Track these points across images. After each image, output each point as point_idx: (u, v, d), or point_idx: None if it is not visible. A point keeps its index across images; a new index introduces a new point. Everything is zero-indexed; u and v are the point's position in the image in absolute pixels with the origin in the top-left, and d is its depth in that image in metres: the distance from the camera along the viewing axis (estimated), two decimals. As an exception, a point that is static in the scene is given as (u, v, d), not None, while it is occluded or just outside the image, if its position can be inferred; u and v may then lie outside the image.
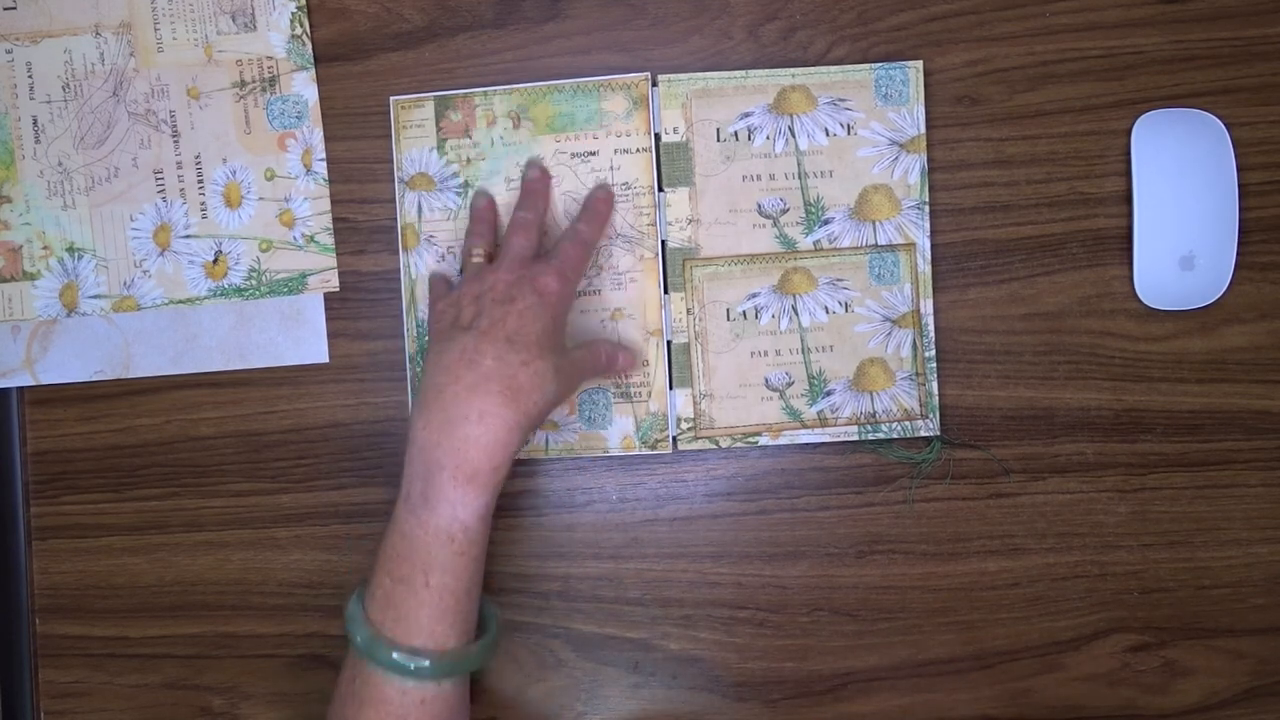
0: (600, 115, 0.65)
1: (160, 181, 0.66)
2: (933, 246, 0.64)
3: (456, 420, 0.54)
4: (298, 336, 0.67)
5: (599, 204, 0.64)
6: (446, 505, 0.54)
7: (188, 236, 0.67)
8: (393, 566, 0.54)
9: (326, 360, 0.67)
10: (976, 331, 0.65)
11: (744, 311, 0.65)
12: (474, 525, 0.54)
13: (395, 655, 0.53)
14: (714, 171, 0.65)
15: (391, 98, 0.66)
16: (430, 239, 0.66)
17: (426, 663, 0.53)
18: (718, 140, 0.64)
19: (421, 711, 0.54)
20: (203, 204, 0.66)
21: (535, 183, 0.64)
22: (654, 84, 0.65)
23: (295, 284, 0.66)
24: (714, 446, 0.65)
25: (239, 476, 0.67)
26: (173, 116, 0.66)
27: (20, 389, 0.68)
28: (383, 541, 0.56)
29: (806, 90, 0.64)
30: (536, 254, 0.61)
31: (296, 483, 0.67)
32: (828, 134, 0.64)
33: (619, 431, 0.65)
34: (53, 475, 0.68)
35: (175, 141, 0.66)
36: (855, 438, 0.65)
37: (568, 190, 0.65)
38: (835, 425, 0.65)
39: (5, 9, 0.66)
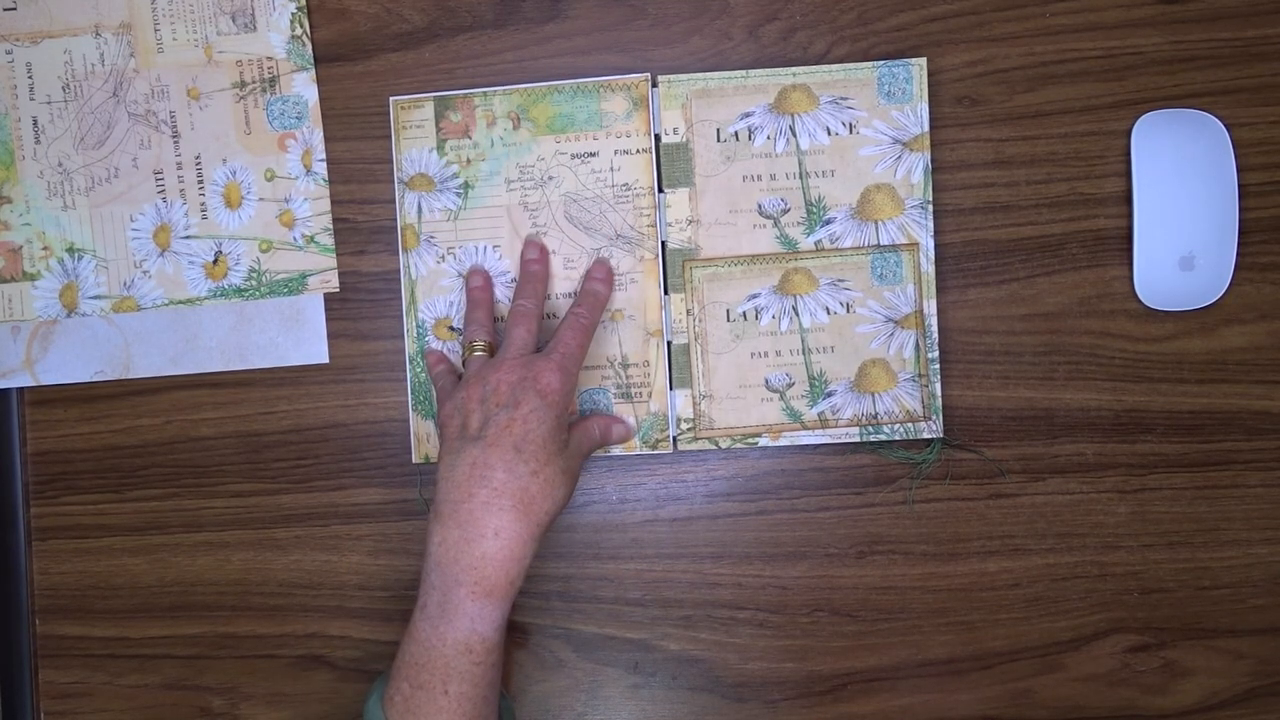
0: (600, 116, 0.65)
1: (160, 182, 0.66)
2: (934, 246, 0.64)
3: (473, 538, 0.55)
4: (298, 337, 0.67)
5: (597, 284, 0.63)
6: (465, 619, 0.55)
7: (188, 237, 0.67)
8: (411, 674, 0.55)
9: (326, 361, 0.67)
10: (976, 332, 0.65)
11: (744, 312, 0.65)
12: (491, 636, 0.55)
13: None
14: (714, 172, 0.65)
15: (391, 98, 0.66)
16: (430, 239, 0.66)
17: None
18: (718, 140, 0.64)
19: None
20: (203, 204, 0.66)
21: (534, 264, 0.64)
22: (654, 84, 0.65)
23: (295, 284, 0.66)
24: (714, 447, 0.65)
25: (239, 477, 0.67)
26: (173, 117, 0.66)
27: (20, 389, 0.68)
28: (402, 646, 0.56)
29: (808, 89, 0.64)
30: (538, 341, 0.61)
31: (296, 483, 0.67)
32: (829, 133, 0.64)
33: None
34: (53, 475, 0.68)
35: (175, 142, 0.66)
36: (856, 439, 0.65)
37: (568, 192, 0.65)
38: (836, 426, 0.65)
39: (5, 9, 0.66)
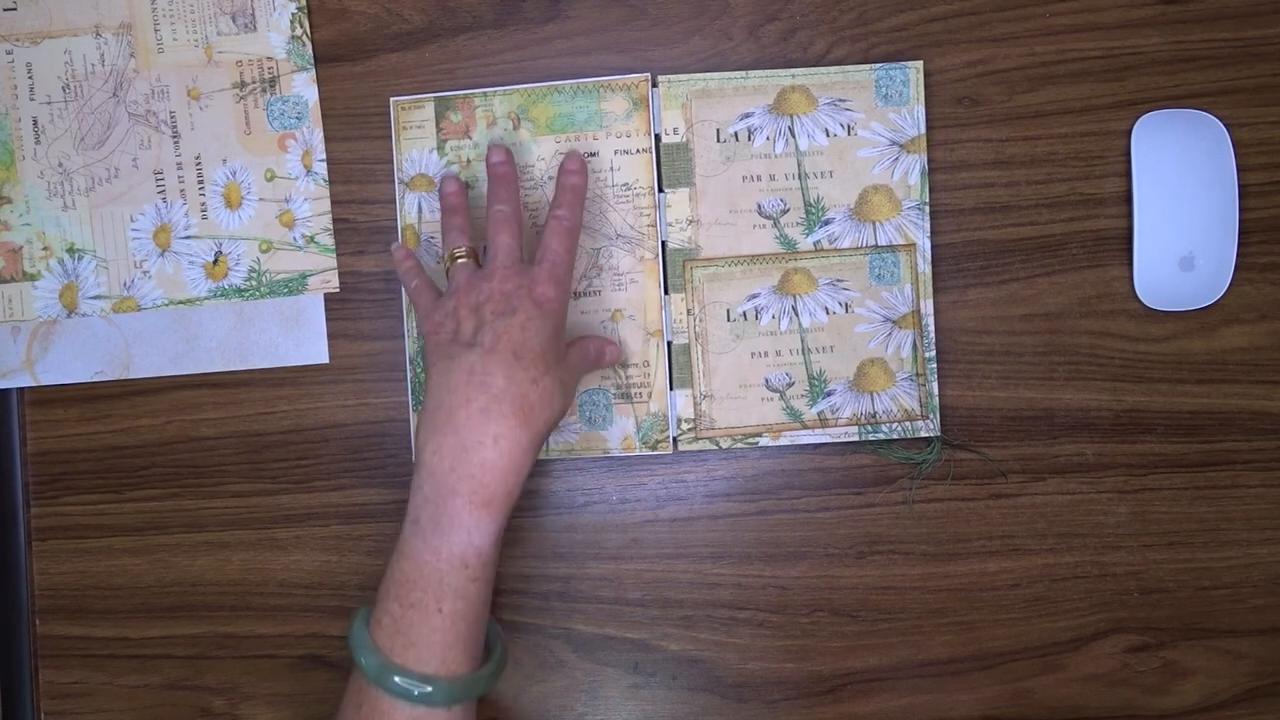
0: (600, 116, 0.65)
1: (160, 182, 0.66)
2: (933, 247, 0.64)
3: (471, 446, 0.53)
4: (298, 337, 0.67)
5: (573, 178, 0.61)
6: (461, 531, 0.53)
7: (188, 237, 0.67)
8: (402, 592, 0.53)
9: (327, 361, 0.67)
10: (976, 332, 0.65)
11: (744, 312, 0.65)
12: (488, 550, 0.54)
13: (408, 683, 0.52)
14: (714, 172, 0.65)
15: (391, 99, 0.66)
16: (430, 240, 0.66)
17: (440, 689, 0.52)
18: (718, 141, 0.64)
19: None
20: (203, 205, 0.66)
21: (501, 166, 0.61)
22: (654, 85, 0.65)
23: (295, 285, 0.67)
24: (714, 447, 0.65)
25: (239, 477, 0.67)
26: (173, 117, 0.66)
27: (20, 389, 0.68)
28: (389, 566, 0.54)
29: (807, 91, 0.64)
30: (522, 246, 0.60)
31: (297, 483, 0.67)
32: (828, 134, 0.64)
33: (619, 432, 0.65)
34: (53, 476, 0.68)
35: (175, 142, 0.66)
36: (856, 438, 0.65)
37: (568, 191, 0.65)
38: (836, 426, 0.65)
39: (5, 10, 0.66)
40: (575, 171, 0.61)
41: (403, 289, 0.64)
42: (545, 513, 0.66)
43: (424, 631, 0.53)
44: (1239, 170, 0.63)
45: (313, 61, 0.66)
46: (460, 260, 0.59)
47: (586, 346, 0.62)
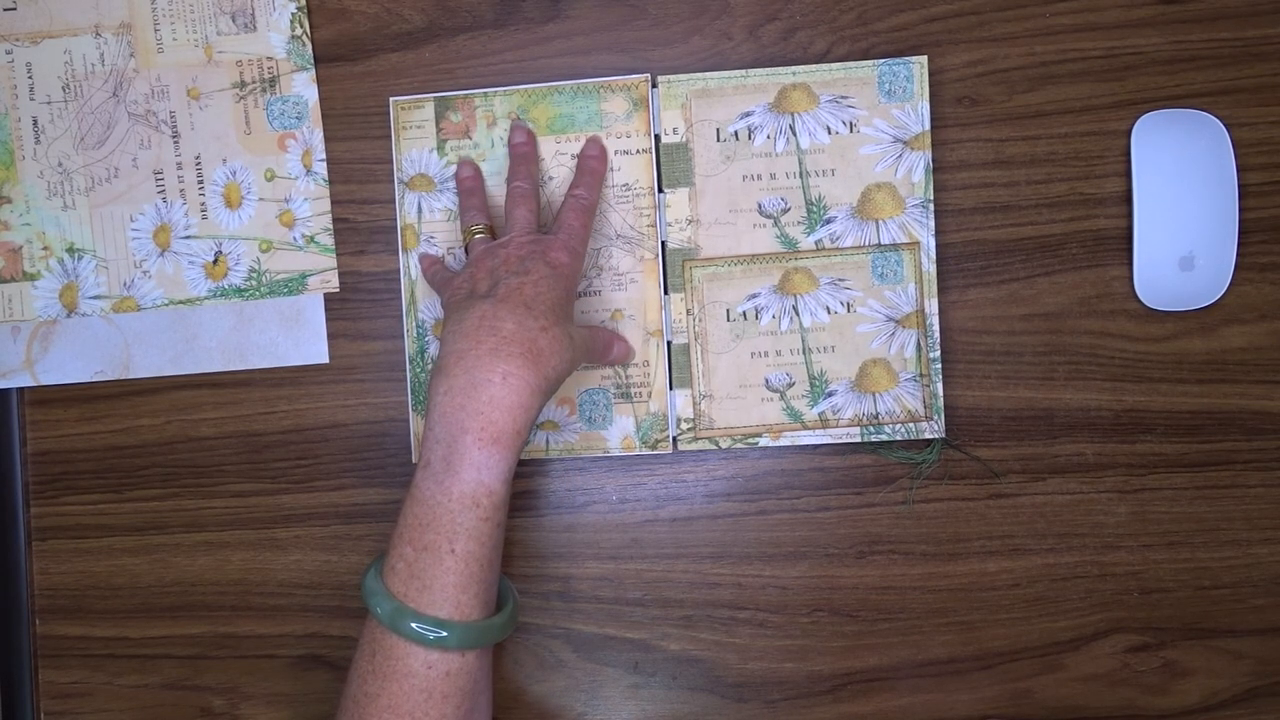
0: (600, 116, 0.65)
1: (160, 182, 0.66)
2: (936, 245, 0.64)
3: (480, 383, 0.53)
4: (298, 337, 0.67)
5: (593, 162, 0.64)
6: (471, 469, 0.53)
7: (188, 237, 0.67)
8: (414, 536, 0.53)
9: (327, 361, 0.67)
10: (976, 332, 0.65)
11: (744, 312, 0.65)
12: (498, 489, 0.54)
13: (423, 627, 0.53)
14: (714, 171, 0.65)
15: (391, 99, 0.66)
16: (430, 240, 0.66)
17: (455, 633, 0.53)
18: (717, 140, 0.64)
19: (447, 684, 0.53)
20: (203, 204, 0.66)
21: (522, 146, 0.64)
22: (654, 85, 0.65)
23: (295, 284, 0.66)
24: (714, 447, 0.65)
25: (239, 477, 0.67)
26: (173, 117, 0.66)
27: (20, 389, 0.68)
28: (401, 513, 0.55)
29: (808, 88, 0.64)
30: (539, 222, 0.62)
31: (296, 483, 0.67)
32: (830, 132, 0.64)
33: (619, 432, 0.65)
34: (53, 476, 0.68)
35: (175, 142, 0.66)
36: (857, 439, 0.65)
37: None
38: (837, 426, 0.65)
39: (5, 9, 0.66)
40: (596, 156, 0.64)
41: (426, 281, 0.66)
42: (545, 513, 0.66)
43: (437, 573, 0.53)
44: (1239, 170, 0.63)
45: (313, 61, 0.66)
46: (478, 235, 0.62)
47: (599, 333, 0.62)
